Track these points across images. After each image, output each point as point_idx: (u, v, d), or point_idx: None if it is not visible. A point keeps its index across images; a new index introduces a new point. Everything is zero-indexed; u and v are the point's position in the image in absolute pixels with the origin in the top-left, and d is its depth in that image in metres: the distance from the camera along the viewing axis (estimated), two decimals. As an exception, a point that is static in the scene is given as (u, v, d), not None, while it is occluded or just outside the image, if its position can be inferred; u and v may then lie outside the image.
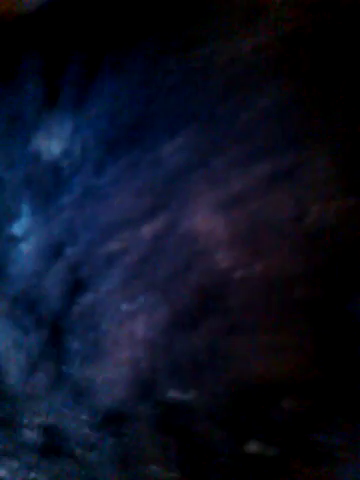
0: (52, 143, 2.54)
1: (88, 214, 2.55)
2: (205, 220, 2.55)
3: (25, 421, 2.25)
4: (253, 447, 2.27)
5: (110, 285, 2.47)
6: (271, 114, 2.50)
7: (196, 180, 2.59)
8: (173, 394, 2.30)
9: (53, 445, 2.20)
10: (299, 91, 2.43)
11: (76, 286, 2.48)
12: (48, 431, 2.24)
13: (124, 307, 2.42)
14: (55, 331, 2.40)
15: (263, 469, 2.28)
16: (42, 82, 2.68)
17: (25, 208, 2.51)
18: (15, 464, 2.19)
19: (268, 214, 2.52)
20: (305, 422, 2.38)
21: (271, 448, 2.30)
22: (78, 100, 2.52)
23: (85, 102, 2.51)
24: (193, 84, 2.50)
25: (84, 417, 2.22)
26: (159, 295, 2.37)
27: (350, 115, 2.30)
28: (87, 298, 2.44)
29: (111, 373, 2.29)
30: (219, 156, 2.57)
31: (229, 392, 2.36)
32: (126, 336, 2.33)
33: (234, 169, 2.57)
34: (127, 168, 2.64)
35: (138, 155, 2.64)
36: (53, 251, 2.45)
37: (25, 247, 2.45)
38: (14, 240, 2.49)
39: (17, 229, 2.49)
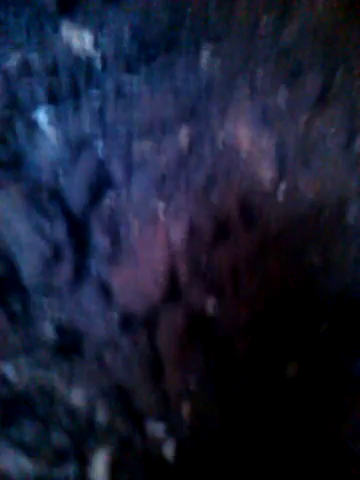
0: (83, 34, 2.29)
1: (120, 110, 2.35)
2: (248, 130, 2.40)
3: (41, 315, 1.99)
4: (292, 370, 2.15)
5: (143, 183, 2.26)
6: (320, 27, 2.41)
7: (239, 88, 2.44)
8: (200, 300, 2.13)
9: (68, 342, 1.97)
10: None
11: (106, 179, 2.25)
12: (65, 327, 2.00)
13: (158, 207, 2.22)
14: (81, 222, 2.16)
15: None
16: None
17: (51, 94, 2.24)
18: (23, 361, 1.92)
19: (316, 132, 2.42)
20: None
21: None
22: None
23: None
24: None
25: (106, 316, 2.00)
26: (196, 198, 2.18)
27: None
28: (117, 193, 2.22)
29: (136, 271, 2.08)
30: (264, 66, 2.44)
31: (265, 308, 2.21)
32: (158, 238, 2.14)
33: (281, 81, 2.45)
34: (162, 69, 2.47)
35: (175, 57, 2.45)
36: (81, 141, 2.22)
37: (50, 134, 2.19)
38: (38, 126, 2.22)
39: (42, 115, 2.22)
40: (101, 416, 1.94)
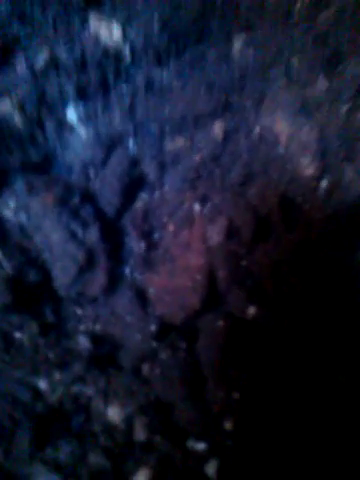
0: (111, 27, 2.16)
1: (151, 106, 2.23)
2: (286, 122, 2.23)
3: (75, 325, 1.88)
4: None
5: (177, 183, 2.12)
6: (355, 15, 2.22)
7: (274, 79, 2.27)
8: (240, 304, 1.98)
9: (104, 354, 1.85)
10: None
11: (138, 180, 2.12)
12: (100, 338, 1.88)
13: (193, 208, 2.08)
14: (115, 227, 2.04)
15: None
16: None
17: (80, 90, 2.12)
18: (57, 375, 1.81)
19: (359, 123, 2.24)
20: None
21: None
22: None
23: None
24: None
25: (140, 323, 1.87)
26: (233, 198, 2.03)
27: None
28: (151, 195, 2.09)
29: (172, 276, 1.95)
30: (300, 55, 2.26)
31: (308, 312, 2.05)
32: (190, 237, 1.99)
33: (319, 70, 2.27)
34: (193, 61, 2.36)
35: (205, 48, 2.31)
36: (113, 141, 2.11)
37: (80, 132, 2.07)
38: (68, 125, 2.11)
39: (72, 114, 2.11)
40: (140, 434, 1.81)
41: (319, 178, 2.27)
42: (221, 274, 2.01)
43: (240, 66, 2.36)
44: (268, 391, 1.97)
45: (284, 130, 2.31)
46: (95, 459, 1.71)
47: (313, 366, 2.11)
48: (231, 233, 2.12)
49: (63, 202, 1.95)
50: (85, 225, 1.94)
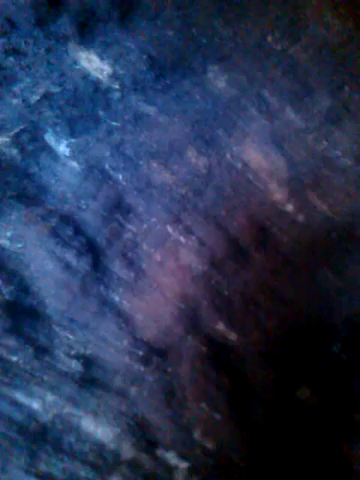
0: (101, 64, 2.33)
1: (139, 140, 2.37)
2: (259, 152, 2.43)
3: (65, 349, 2.02)
4: (304, 393, 2.17)
5: (161, 214, 2.29)
6: (324, 49, 2.40)
7: (244, 109, 2.45)
8: (221, 330, 2.16)
9: (93, 376, 2.00)
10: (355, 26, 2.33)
11: (125, 211, 2.29)
12: (89, 361, 2.03)
13: (174, 237, 2.25)
14: (103, 256, 2.19)
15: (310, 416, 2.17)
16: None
17: (72, 127, 2.27)
18: (50, 397, 1.95)
19: (327, 150, 2.42)
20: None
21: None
22: (128, 21, 2.31)
23: (136, 24, 2.30)
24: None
25: (128, 348, 2.03)
26: (210, 227, 2.22)
27: None
28: (136, 225, 2.26)
29: (158, 304, 2.12)
30: (271, 85, 2.44)
31: (280, 332, 2.23)
32: (175, 267, 2.17)
33: (289, 101, 2.45)
34: (178, 97, 2.48)
35: (189, 84, 2.47)
36: (101, 174, 2.25)
37: (72, 167, 2.22)
38: (62, 159, 2.25)
39: (64, 148, 2.25)
40: (127, 452, 1.96)
41: (286, 203, 2.45)
42: (193, 298, 2.18)
43: (213, 96, 2.53)
44: (248, 411, 2.14)
45: (254, 158, 2.49)
46: (85, 475, 1.84)
47: (290, 384, 2.29)
48: (203, 258, 2.30)
49: (57, 233, 2.09)
50: (78, 255, 2.08)
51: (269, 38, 2.38)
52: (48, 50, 2.31)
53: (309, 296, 2.37)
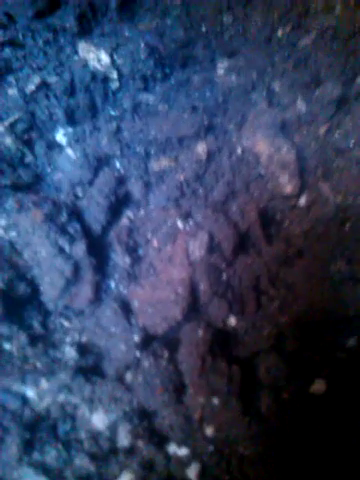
0: (100, 54, 2.31)
1: (138, 128, 2.36)
2: (266, 143, 2.38)
3: (62, 337, 1.98)
4: (319, 388, 2.08)
5: (161, 201, 2.25)
6: (334, 40, 2.36)
7: (254, 102, 2.42)
8: (227, 321, 2.10)
9: (89, 364, 1.95)
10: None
11: (124, 199, 2.25)
12: (86, 348, 1.98)
13: (176, 225, 2.21)
14: (102, 243, 2.16)
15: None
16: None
17: (70, 115, 2.26)
18: (44, 384, 1.91)
19: (339, 141, 2.37)
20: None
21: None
22: (127, 11, 2.29)
23: (134, 14, 2.28)
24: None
25: (124, 334, 1.98)
26: (215, 215, 2.16)
27: None
28: (136, 212, 2.22)
29: (158, 292, 2.06)
30: (281, 78, 2.41)
31: (293, 326, 2.16)
32: (177, 255, 2.12)
33: (298, 93, 2.41)
34: (178, 85, 2.45)
35: (190, 73, 2.44)
36: (100, 161, 2.23)
37: (70, 155, 2.20)
38: (58, 147, 2.23)
39: (61, 136, 2.24)
40: (123, 439, 1.91)
41: (298, 195, 2.40)
42: (202, 287, 2.12)
43: (223, 90, 2.50)
44: (247, 397, 2.07)
45: (264, 150, 2.45)
46: (81, 463, 1.79)
47: (292, 372, 2.22)
48: (212, 247, 2.24)
49: (51, 219, 2.06)
50: (72, 241, 2.05)
51: (279, 32, 2.37)
52: (46, 42, 2.30)
53: (322, 288, 2.30)
